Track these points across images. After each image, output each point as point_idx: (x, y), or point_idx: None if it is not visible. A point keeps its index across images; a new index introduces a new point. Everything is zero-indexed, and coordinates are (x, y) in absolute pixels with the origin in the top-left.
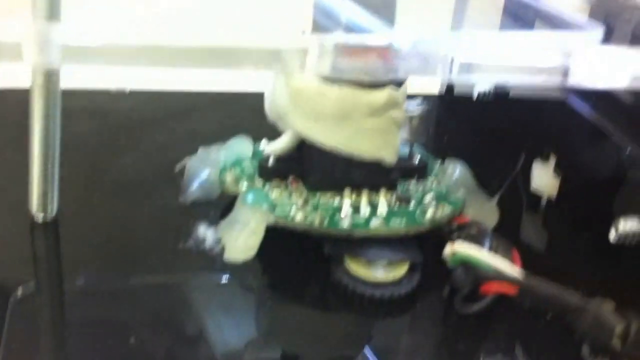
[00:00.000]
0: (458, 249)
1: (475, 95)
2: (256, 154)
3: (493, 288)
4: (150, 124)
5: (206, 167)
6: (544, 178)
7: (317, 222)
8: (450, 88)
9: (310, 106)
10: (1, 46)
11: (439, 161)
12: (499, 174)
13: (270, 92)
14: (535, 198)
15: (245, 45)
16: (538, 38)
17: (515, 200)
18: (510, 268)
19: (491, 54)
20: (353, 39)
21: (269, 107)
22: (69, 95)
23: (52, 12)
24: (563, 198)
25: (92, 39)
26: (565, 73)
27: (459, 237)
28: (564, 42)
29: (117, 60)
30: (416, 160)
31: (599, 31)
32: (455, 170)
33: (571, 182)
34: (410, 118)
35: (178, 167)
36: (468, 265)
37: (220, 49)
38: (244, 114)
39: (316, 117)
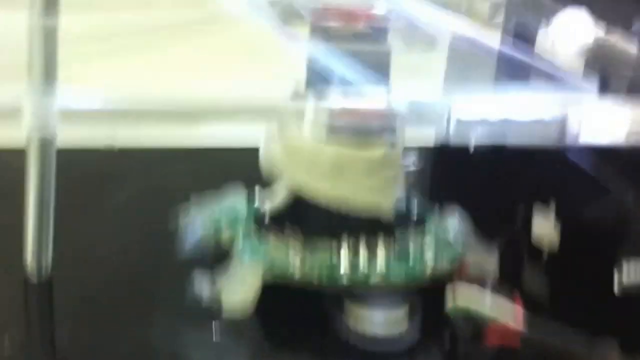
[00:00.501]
0: (459, 299)
1: (471, 146)
2: (251, 206)
3: (496, 339)
4: (141, 179)
5: (200, 223)
6: (544, 228)
7: (315, 277)
8: (443, 142)
9: (306, 164)
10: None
11: (436, 212)
12: (498, 224)
13: (265, 146)
14: (536, 248)
15: (240, 103)
16: (533, 95)
17: (516, 250)
18: (512, 318)
19: (487, 111)
20: (349, 100)
21: (264, 160)
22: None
23: (49, 75)
24: (564, 248)
25: (88, 104)
26: (561, 129)
27: (459, 288)
28: (559, 98)
29: (113, 121)
30: (414, 211)
31: (594, 86)
32: (454, 222)
33: (572, 232)
34: (407, 171)
35: (172, 224)
36: (470, 316)
37: (216, 108)
38: (234, 169)
39: (312, 175)
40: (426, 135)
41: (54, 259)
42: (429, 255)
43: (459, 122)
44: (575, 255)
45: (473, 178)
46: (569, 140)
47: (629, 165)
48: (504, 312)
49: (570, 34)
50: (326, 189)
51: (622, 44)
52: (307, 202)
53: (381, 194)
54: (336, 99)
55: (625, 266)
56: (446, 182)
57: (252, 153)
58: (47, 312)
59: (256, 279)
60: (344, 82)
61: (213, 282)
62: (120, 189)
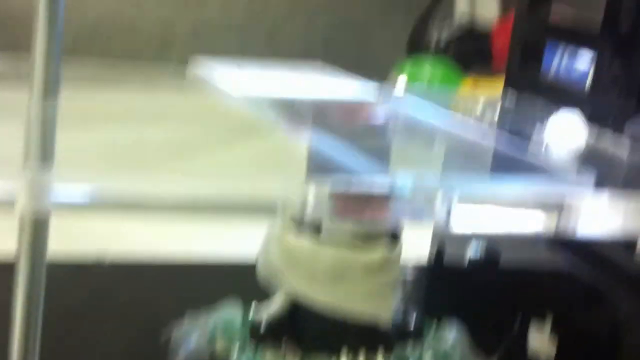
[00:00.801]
0: None
1: (466, 261)
2: (246, 319)
3: None
4: (132, 294)
5: (194, 335)
6: (540, 341)
7: None
8: (439, 255)
9: (304, 266)
10: None
11: (433, 325)
12: (494, 337)
13: (263, 252)
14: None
15: (239, 195)
16: (529, 190)
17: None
18: None
19: (484, 205)
20: (350, 191)
21: (262, 266)
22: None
23: (46, 155)
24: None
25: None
26: (558, 223)
27: None
28: (555, 193)
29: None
30: (411, 323)
31: (590, 180)
32: (451, 334)
33: (568, 345)
34: (404, 281)
35: (165, 336)
36: None
37: (215, 202)
38: (228, 284)
39: (310, 277)
40: (420, 250)
41: None
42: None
43: (457, 215)
44: None
45: (469, 292)
46: (564, 234)
47: (625, 275)
48: None
49: (564, 136)
50: (325, 293)
51: (613, 147)
52: (304, 312)
53: (380, 298)
54: (339, 190)
55: None
56: (443, 295)
57: (246, 269)
58: None
59: None
60: (345, 173)
61: None
62: (110, 304)
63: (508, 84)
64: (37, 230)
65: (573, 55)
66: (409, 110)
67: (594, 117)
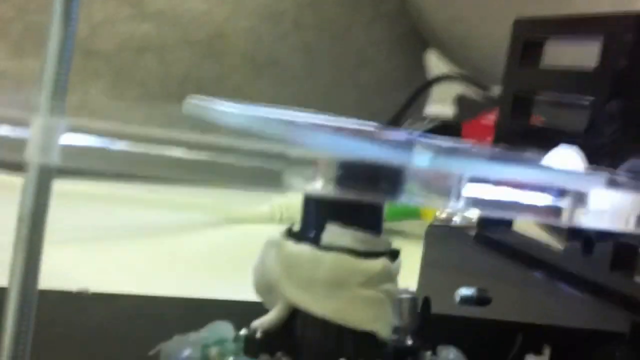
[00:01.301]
0: None
1: (457, 299)
2: (239, 335)
3: None
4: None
5: (185, 347)
6: None
7: None
8: (426, 303)
9: (304, 273)
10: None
11: (429, 351)
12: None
13: (259, 264)
14: None
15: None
16: (542, 176)
17: None
18: None
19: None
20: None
21: (257, 280)
22: None
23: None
24: None
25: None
26: (568, 214)
27: None
28: (568, 181)
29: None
30: (409, 341)
31: (603, 177)
32: (449, 354)
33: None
34: (400, 301)
35: (153, 351)
36: None
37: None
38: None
39: (309, 285)
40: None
41: None
42: None
43: (467, 199)
44: None
45: (461, 325)
46: (574, 224)
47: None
48: None
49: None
50: (323, 301)
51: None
52: (301, 322)
53: (378, 309)
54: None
55: None
56: (438, 324)
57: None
58: None
59: None
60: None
61: None
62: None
63: (498, 138)
64: (42, 179)
65: (566, 102)
66: None
67: (588, 158)
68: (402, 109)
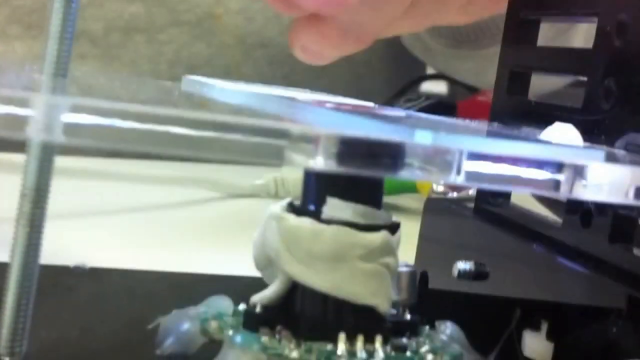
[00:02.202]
0: None
1: (455, 273)
2: (237, 309)
3: None
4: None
5: (184, 321)
6: (536, 345)
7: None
8: (424, 277)
9: (304, 246)
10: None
11: (427, 325)
12: (490, 336)
13: (259, 238)
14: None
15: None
16: (541, 150)
17: None
18: None
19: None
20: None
21: (257, 254)
22: None
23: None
24: None
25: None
26: (565, 186)
27: None
28: (567, 156)
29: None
30: (408, 316)
31: (602, 151)
32: (447, 328)
33: (566, 347)
34: (400, 275)
35: (152, 324)
36: None
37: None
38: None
39: (309, 258)
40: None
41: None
42: (426, 352)
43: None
44: None
45: (460, 299)
46: (572, 197)
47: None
48: None
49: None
50: (323, 275)
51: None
52: (301, 296)
53: (378, 282)
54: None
55: None
56: (436, 299)
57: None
58: None
59: None
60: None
61: None
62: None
63: (494, 115)
64: (44, 156)
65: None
66: None
67: (584, 135)
68: (400, 90)
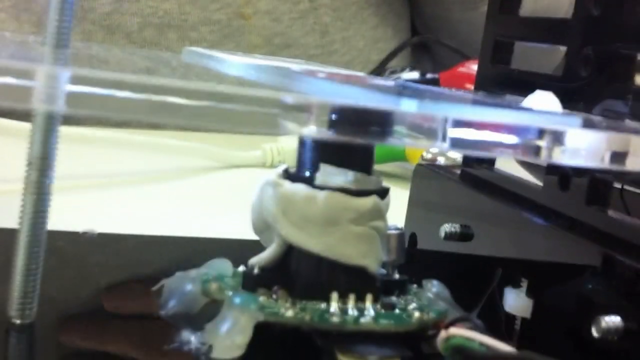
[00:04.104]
0: (453, 332)
1: (442, 235)
2: (236, 273)
3: None
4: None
5: (187, 283)
6: (517, 302)
7: (307, 318)
8: (413, 239)
9: (299, 211)
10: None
11: (415, 284)
12: (473, 294)
13: (257, 204)
14: (511, 317)
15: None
16: (522, 117)
17: (493, 317)
18: (508, 348)
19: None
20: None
21: (255, 218)
22: None
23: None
24: (539, 317)
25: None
26: (546, 151)
27: (451, 329)
28: (546, 122)
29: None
30: (396, 276)
31: (579, 118)
32: (434, 287)
33: (545, 304)
34: (389, 236)
35: (156, 286)
36: (464, 352)
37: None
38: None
39: (304, 222)
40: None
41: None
42: (414, 308)
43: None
44: (550, 321)
45: (445, 259)
46: (551, 161)
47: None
48: (498, 348)
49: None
50: (317, 238)
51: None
52: (297, 258)
53: (368, 244)
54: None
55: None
56: (424, 259)
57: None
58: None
59: (248, 323)
60: None
61: (202, 328)
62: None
63: (478, 84)
64: (48, 126)
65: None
66: None
67: (564, 102)
68: (383, 62)
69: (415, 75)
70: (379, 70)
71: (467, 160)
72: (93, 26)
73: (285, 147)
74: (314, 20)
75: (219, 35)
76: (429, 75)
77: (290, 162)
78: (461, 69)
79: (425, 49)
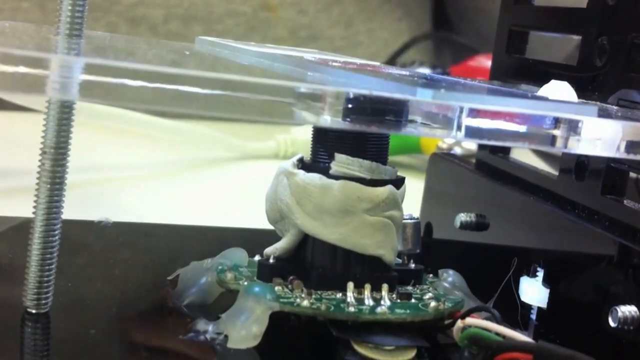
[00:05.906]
0: (469, 322)
1: (457, 224)
2: (252, 262)
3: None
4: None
5: (202, 273)
6: (533, 291)
7: (323, 308)
8: (429, 228)
9: (314, 201)
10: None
11: (431, 274)
12: (489, 283)
13: (271, 193)
14: (527, 306)
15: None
16: (538, 106)
17: (509, 307)
18: (525, 338)
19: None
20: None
21: (269, 208)
22: None
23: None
24: (555, 307)
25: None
26: (561, 140)
27: (467, 319)
28: (562, 111)
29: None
30: (412, 265)
31: (595, 107)
32: (449, 276)
33: (561, 293)
34: (405, 226)
35: (172, 275)
36: (480, 343)
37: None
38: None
39: (319, 212)
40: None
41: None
42: (430, 298)
43: (468, 128)
44: (567, 310)
45: (460, 248)
46: (568, 151)
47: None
48: (516, 332)
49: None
50: (332, 227)
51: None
52: (312, 248)
53: (384, 234)
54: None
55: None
56: (439, 248)
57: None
58: (43, 346)
59: (264, 313)
60: None
61: (217, 318)
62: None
63: (493, 73)
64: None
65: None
66: None
67: (579, 92)
68: (393, 56)
69: (425, 70)
70: (390, 64)
71: (482, 149)
72: (118, 18)
73: (298, 138)
74: (339, 11)
75: (244, 27)
76: (439, 70)
77: (304, 154)
78: (472, 63)
79: (446, 43)
